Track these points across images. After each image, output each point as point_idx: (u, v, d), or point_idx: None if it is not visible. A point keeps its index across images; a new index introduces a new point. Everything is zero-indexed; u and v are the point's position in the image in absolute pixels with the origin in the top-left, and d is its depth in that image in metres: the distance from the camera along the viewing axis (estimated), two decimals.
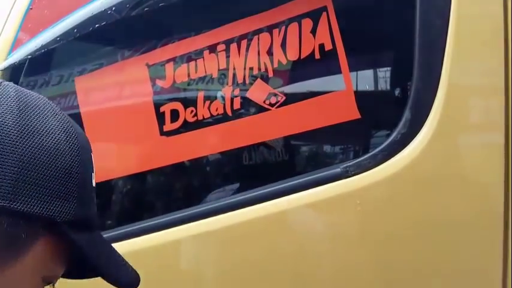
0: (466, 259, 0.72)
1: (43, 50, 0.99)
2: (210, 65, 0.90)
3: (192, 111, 0.93)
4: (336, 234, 0.77)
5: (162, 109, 0.96)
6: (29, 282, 0.41)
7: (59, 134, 0.40)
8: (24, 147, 0.38)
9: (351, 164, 0.77)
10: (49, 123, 0.40)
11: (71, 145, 0.41)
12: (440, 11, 0.71)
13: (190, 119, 0.93)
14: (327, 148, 0.81)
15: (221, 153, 0.93)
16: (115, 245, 0.47)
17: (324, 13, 0.79)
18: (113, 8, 0.92)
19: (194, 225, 0.86)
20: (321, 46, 0.80)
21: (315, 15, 0.80)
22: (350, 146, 0.87)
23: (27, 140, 0.38)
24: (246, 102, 0.89)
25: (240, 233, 0.84)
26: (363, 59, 0.83)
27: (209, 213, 0.85)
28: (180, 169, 1.00)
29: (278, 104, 0.85)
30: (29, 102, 0.40)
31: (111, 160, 0.93)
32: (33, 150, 0.38)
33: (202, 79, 0.92)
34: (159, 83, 0.96)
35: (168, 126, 0.95)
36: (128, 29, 0.95)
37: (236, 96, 0.89)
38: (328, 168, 0.79)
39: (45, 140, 0.39)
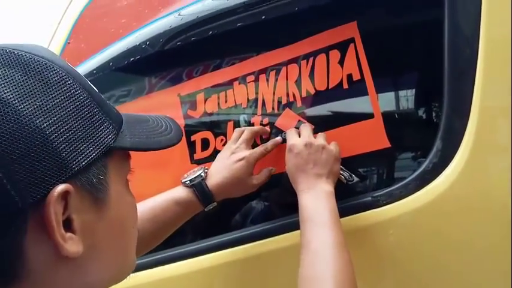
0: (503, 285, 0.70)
1: None
2: (239, 95, 0.93)
3: (222, 140, 0.95)
4: (366, 264, 0.76)
5: (193, 138, 0.98)
6: (126, 190, 0.48)
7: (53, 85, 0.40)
8: (42, 118, 0.38)
9: (381, 193, 0.76)
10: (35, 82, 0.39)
11: (63, 81, 0.41)
12: (468, 37, 0.71)
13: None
14: (357, 177, 0.81)
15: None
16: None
17: (352, 44, 0.80)
18: (147, 43, 0.96)
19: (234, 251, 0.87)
20: (349, 76, 0.81)
21: (342, 46, 0.81)
22: (381, 175, 0.86)
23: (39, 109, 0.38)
24: (275, 131, 0.90)
25: (270, 261, 0.84)
26: (391, 88, 0.83)
27: (247, 239, 0.87)
28: None
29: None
30: None
31: (144, 188, 0.95)
32: (52, 113, 0.39)
33: (231, 108, 0.95)
34: (190, 112, 0.99)
35: (199, 154, 0.97)
36: (160, 61, 0.99)
37: (265, 125, 0.90)
38: (358, 197, 0.79)
39: (55, 98, 0.40)
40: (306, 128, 0.81)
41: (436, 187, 0.72)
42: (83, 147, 0.40)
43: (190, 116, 0.99)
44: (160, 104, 1.02)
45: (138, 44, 0.97)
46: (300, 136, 0.81)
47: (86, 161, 0.40)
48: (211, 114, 0.97)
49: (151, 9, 1.03)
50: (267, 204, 0.97)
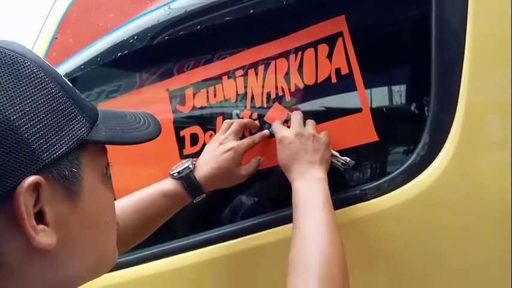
0: (486, 280, 0.71)
1: (67, 78, 1.02)
2: (228, 90, 0.92)
3: (211, 135, 0.95)
4: (354, 257, 0.76)
5: (182, 133, 0.98)
6: (101, 184, 0.47)
7: (25, 78, 0.40)
8: (13, 110, 0.38)
9: (369, 186, 0.77)
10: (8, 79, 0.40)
11: (34, 74, 0.41)
12: (456, 31, 0.72)
13: None
14: (345, 171, 0.81)
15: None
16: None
17: (340, 38, 0.80)
18: (135, 37, 0.95)
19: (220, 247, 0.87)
20: (337, 70, 0.81)
21: (330, 41, 0.81)
22: (368, 169, 0.87)
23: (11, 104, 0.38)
24: (264, 126, 0.90)
25: (260, 254, 0.85)
26: (379, 81, 0.83)
27: (242, 232, 0.87)
28: None
29: None
30: None
31: (132, 183, 0.95)
32: (22, 106, 0.39)
33: (221, 103, 0.94)
34: (179, 107, 0.99)
35: (188, 149, 0.97)
36: (148, 56, 0.98)
37: (254, 120, 0.90)
38: (346, 191, 0.79)
39: (24, 91, 0.40)
40: (297, 117, 0.81)
41: (423, 180, 0.73)
42: (54, 139, 0.40)
43: (179, 111, 0.99)
44: (149, 99, 1.01)
45: (126, 38, 0.97)
46: (288, 128, 0.81)
47: (57, 153, 0.40)
48: (200, 109, 0.96)
49: (139, 4, 1.02)
50: (255, 199, 0.97)
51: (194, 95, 0.96)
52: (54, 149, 0.40)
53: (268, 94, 0.89)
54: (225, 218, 0.99)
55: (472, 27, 0.71)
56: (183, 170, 0.82)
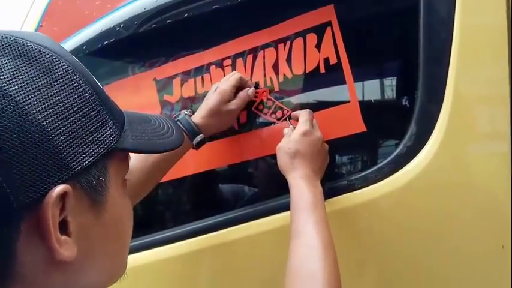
0: (475, 267, 0.72)
1: None
2: (216, 80, 0.92)
3: None
4: (341, 247, 0.77)
5: None
6: (122, 192, 0.45)
7: (56, 80, 0.38)
8: (45, 115, 0.36)
9: (357, 177, 0.77)
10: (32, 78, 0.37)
11: (68, 76, 0.39)
12: (444, 22, 0.72)
13: None
14: (333, 161, 0.81)
15: (228, 166, 0.94)
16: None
17: (329, 28, 0.80)
18: (121, 25, 0.94)
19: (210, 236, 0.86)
20: (326, 60, 0.81)
21: (319, 30, 0.81)
22: (356, 159, 0.87)
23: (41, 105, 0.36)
24: (252, 116, 0.89)
25: (248, 246, 0.84)
26: (367, 72, 0.83)
27: (228, 223, 0.86)
28: (186, 183, 1.01)
29: (284, 118, 0.86)
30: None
31: None
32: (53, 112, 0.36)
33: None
34: (167, 97, 0.97)
35: None
36: (135, 45, 0.97)
37: (242, 110, 0.90)
38: (334, 181, 0.79)
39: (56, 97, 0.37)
40: (308, 115, 0.80)
41: (410, 170, 0.73)
42: (85, 146, 0.38)
43: (166, 101, 0.98)
44: (136, 89, 1.00)
45: (112, 26, 0.95)
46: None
47: (86, 162, 0.38)
48: (188, 98, 0.95)
49: None
50: (244, 189, 0.97)
51: (182, 84, 0.95)
52: (84, 157, 0.38)
53: (257, 84, 0.88)
54: (214, 208, 0.99)
55: (461, 18, 0.70)
56: (179, 114, 0.85)
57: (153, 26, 0.91)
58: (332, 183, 0.79)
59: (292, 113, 0.84)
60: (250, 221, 0.84)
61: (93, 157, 0.38)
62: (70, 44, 1.03)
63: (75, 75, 0.39)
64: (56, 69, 0.38)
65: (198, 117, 0.84)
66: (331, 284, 0.61)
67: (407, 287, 0.76)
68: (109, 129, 0.41)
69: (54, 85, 0.37)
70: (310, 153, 0.74)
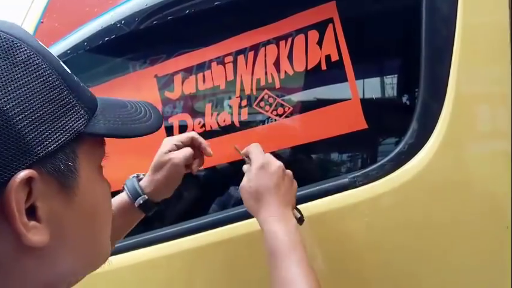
0: (475, 266, 0.72)
1: None
2: (217, 77, 0.91)
3: (199, 122, 0.94)
4: (343, 244, 0.77)
5: (170, 120, 0.97)
6: (97, 178, 0.45)
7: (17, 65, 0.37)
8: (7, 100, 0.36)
9: (358, 174, 0.77)
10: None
11: (30, 60, 0.38)
12: (446, 21, 0.72)
13: (198, 130, 0.94)
14: (334, 158, 0.81)
15: (229, 163, 0.93)
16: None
17: (330, 24, 0.80)
18: (122, 22, 0.93)
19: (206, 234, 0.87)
20: (327, 57, 0.81)
21: (321, 27, 0.81)
22: (357, 156, 0.87)
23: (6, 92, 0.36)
24: (253, 113, 0.89)
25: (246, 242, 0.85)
26: (369, 69, 0.83)
27: (228, 221, 0.86)
28: (189, 180, 1.01)
29: (285, 115, 0.86)
30: None
31: (120, 172, 0.94)
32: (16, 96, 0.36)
33: (210, 90, 0.93)
34: (168, 94, 0.97)
35: None
36: (136, 41, 0.96)
37: (243, 107, 0.90)
38: (335, 179, 0.79)
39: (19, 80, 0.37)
40: (257, 147, 0.75)
41: (411, 168, 0.73)
42: (50, 131, 0.38)
43: (167, 98, 0.98)
44: (137, 86, 1.00)
45: (113, 23, 0.95)
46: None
47: (52, 147, 0.37)
48: (189, 95, 0.95)
49: None
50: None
51: (183, 81, 0.95)
52: (49, 142, 0.37)
53: (258, 81, 0.88)
54: (216, 206, 0.99)
55: (463, 16, 0.70)
56: (128, 179, 0.79)
57: (155, 22, 0.90)
58: (334, 180, 0.79)
59: (242, 152, 0.77)
60: (248, 219, 0.84)
61: (59, 142, 0.38)
62: (71, 40, 1.03)
63: (37, 59, 0.39)
64: (17, 54, 0.37)
65: (145, 177, 0.78)
66: None
67: (406, 283, 0.76)
68: (76, 114, 0.40)
69: (15, 70, 0.37)
70: (274, 185, 0.69)
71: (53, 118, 0.38)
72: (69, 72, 0.42)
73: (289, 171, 0.72)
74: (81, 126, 0.40)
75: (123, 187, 0.80)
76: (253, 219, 0.83)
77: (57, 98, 0.39)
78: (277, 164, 0.71)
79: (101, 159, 0.46)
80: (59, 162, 0.39)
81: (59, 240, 0.40)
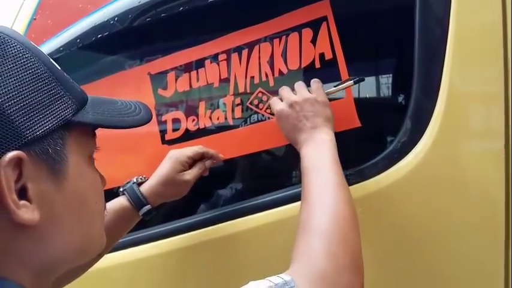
0: (468, 264, 0.72)
1: None
2: (211, 75, 0.91)
3: (193, 120, 0.94)
4: None
5: (164, 118, 0.97)
6: (88, 167, 0.48)
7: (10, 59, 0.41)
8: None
9: (351, 172, 0.77)
10: None
11: (20, 54, 0.42)
12: (439, 20, 0.72)
13: (192, 128, 0.94)
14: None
15: (222, 161, 0.93)
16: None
17: (324, 23, 0.80)
18: (116, 19, 0.93)
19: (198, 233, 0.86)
20: (321, 55, 0.81)
21: (315, 25, 0.81)
22: (350, 155, 0.87)
23: None
24: (247, 111, 0.89)
25: (243, 240, 0.84)
26: (362, 67, 0.83)
27: (215, 220, 0.86)
28: None
29: None
30: None
31: (113, 169, 0.93)
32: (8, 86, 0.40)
33: (203, 88, 0.93)
34: (161, 92, 0.97)
35: (170, 135, 0.96)
36: (130, 39, 0.96)
37: (237, 105, 0.89)
38: None
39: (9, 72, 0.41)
40: (285, 90, 0.79)
41: (404, 166, 0.73)
42: (38, 117, 0.41)
43: (161, 96, 0.97)
44: (130, 83, 0.99)
45: (106, 20, 0.94)
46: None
47: (40, 131, 0.41)
48: (182, 93, 0.95)
49: None
50: (240, 185, 0.97)
51: (176, 79, 0.95)
52: (37, 127, 0.41)
53: (252, 79, 0.88)
54: (209, 204, 0.98)
55: (456, 15, 0.71)
56: (127, 183, 0.83)
57: (148, 19, 0.90)
58: None
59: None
60: (246, 216, 0.84)
61: (47, 127, 0.42)
62: (64, 37, 1.02)
63: (27, 53, 0.43)
64: (8, 49, 0.41)
65: (147, 185, 0.82)
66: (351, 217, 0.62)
67: (404, 282, 0.76)
68: (64, 104, 0.44)
69: (6, 62, 0.41)
70: (304, 118, 0.73)
71: (41, 106, 0.42)
72: (59, 68, 0.46)
73: (303, 96, 0.75)
74: (68, 114, 0.44)
75: (123, 192, 0.81)
76: (245, 218, 0.83)
77: (45, 88, 0.43)
78: (286, 105, 0.76)
79: (91, 150, 0.49)
80: (47, 146, 0.42)
81: (50, 221, 0.42)
